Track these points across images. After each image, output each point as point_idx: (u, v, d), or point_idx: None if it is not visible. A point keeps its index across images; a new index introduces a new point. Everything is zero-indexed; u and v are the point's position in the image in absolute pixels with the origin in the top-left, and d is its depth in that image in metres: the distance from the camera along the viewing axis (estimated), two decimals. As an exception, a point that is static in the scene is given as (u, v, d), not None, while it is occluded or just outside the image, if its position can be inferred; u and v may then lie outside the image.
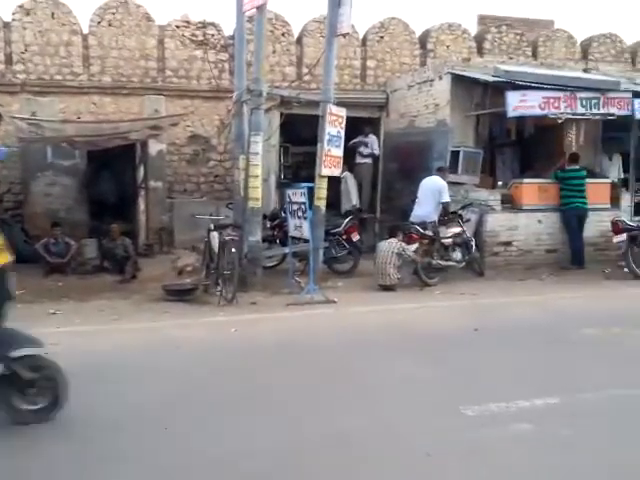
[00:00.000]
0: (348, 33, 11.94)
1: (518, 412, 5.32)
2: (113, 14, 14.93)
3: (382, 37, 16.76)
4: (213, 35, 15.59)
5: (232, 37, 13.93)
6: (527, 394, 5.65)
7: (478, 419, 5.19)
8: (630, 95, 12.94)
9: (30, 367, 4.88)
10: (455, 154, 13.14)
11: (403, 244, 10.75)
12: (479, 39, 17.56)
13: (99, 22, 14.86)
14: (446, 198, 11.48)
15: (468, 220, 11.77)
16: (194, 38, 15.46)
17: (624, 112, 12.84)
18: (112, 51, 14.92)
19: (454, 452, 4.61)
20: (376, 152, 14.43)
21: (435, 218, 11.41)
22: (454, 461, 4.48)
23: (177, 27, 15.42)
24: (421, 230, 11.00)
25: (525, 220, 12.47)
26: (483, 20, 19.04)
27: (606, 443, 4.78)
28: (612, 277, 11.57)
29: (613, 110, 12.82)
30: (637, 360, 6.83)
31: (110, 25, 14.89)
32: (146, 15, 15.14)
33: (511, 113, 12.25)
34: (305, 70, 15.48)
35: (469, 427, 5.04)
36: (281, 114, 12.11)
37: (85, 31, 14.86)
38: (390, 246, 10.74)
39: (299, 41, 16.16)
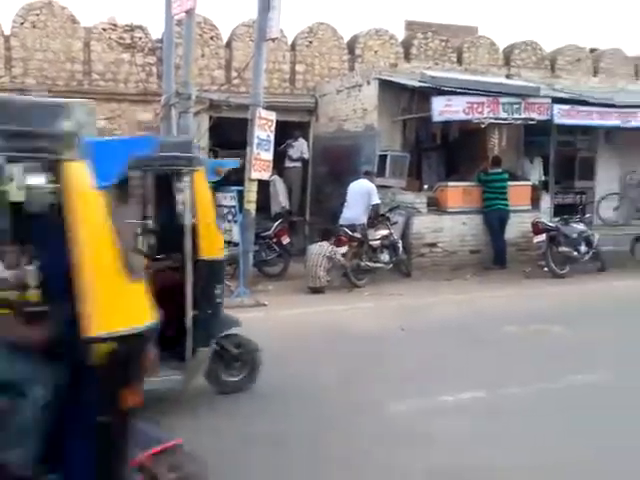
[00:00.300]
0: (277, 37, 12.06)
1: (445, 407, 5.53)
2: (37, 15, 14.60)
3: (311, 42, 16.89)
4: (141, 38, 15.41)
5: (160, 40, 13.82)
6: (453, 390, 5.87)
7: (406, 414, 5.38)
8: (549, 101, 13.44)
9: (234, 344, 5.84)
10: (383, 158, 13.38)
11: (333, 247, 10.92)
12: (406, 45, 17.90)
13: (22, 23, 14.50)
14: (376, 200, 11.71)
15: (395, 222, 12.02)
16: (121, 41, 15.25)
17: (544, 117, 13.33)
18: (36, 53, 14.59)
19: (381, 446, 4.76)
20: (305, 156, 14.57)
21: (364, 221, 11.62)
22: (382, 454, 4.64)
23: (104, 30, 15.17)
24: (350, 233, 11.19)
25: (450, 222, 12.81)
26: (410, 26, 19.40)
27: (532, 436, 5.02)
28: (532, 276, 12.01)
29: (534, 115, 13.29)
30: (557, 356, 7.15)
31: (34, 27, 14.56)
32: (71, 17, 14.85)
33: (437, 118, 12.57)
34: (234, 74, 15.45)
35: (397, 422, 5.22)
36: (210, 117, 12.12)
37: (7, 32, 14.50)
38: (321, 249, 10.89)
39: (228, 45, 16.14)
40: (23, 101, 2.79)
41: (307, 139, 14.44)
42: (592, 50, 19.16)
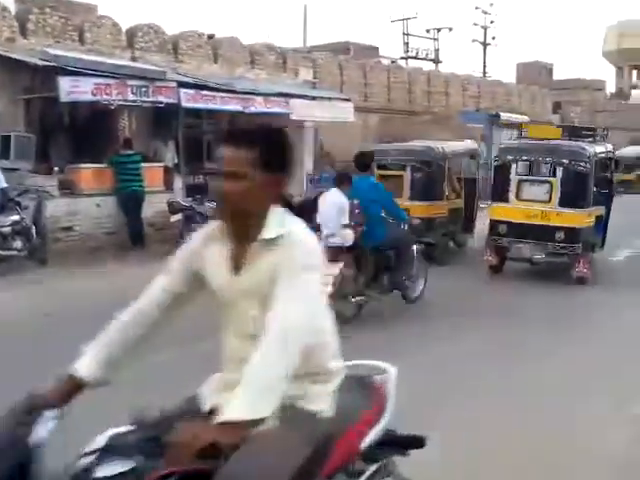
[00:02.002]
0: None
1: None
2: None
3: None
4: None
5: None
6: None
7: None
8: (176, 85, 13.90)
9: None
10: (6, 139, 12.53)
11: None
12: (21, 19, 16.80)
13: None
14: (2, 184, 10.96)
15: (26, 207, 11.39)
16: None
17: (171, 100, 13.76)
18: None
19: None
20: None
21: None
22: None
23: None
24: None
25: (85, 204, 12.58)
26: (24, -1, 18.26)
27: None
28: (172, 254, 12.33)
29: (161, 98, 13.64)
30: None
31: None
32: None
33: (64, 98, 12.19)
34: None
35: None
36: None
37: None
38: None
39: None
40: None
41: None
42: (209, 36, 20.08)
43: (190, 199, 13.07)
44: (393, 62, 35.01)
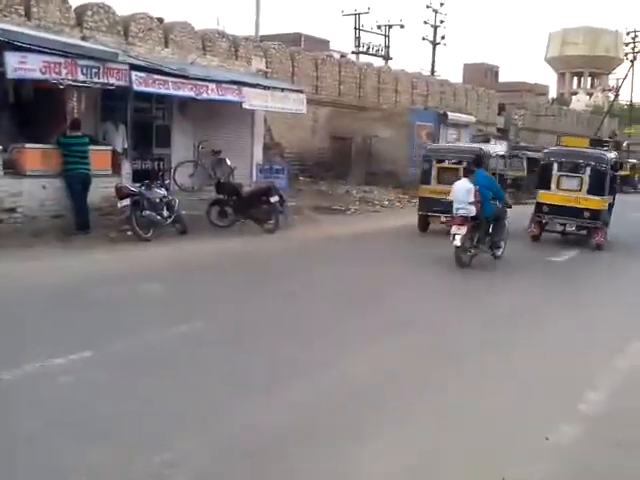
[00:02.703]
0: None
1: (56, 369, 5.44)
2: None
3: None
4: None
5: None
6: (61, 352, 5.77)
7: (16, 381, 5.18)
8: (127, 67, 13.59)
9: None
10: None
11: None
12: (-35, -10, 16.20)
13: None
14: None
15: (-32, 186, 11.02)
16: None
17: (122, 83, 13.45)
18: None
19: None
20: None
21: None
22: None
23: None
24: None
25: (29, 186, 12.19)
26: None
27: (139, 386, 5.24)
28: (118, 241, 12.09)
29: (112, 80, 13.31)
30: (157, 311, 7.51)
31: None
32: None
33: (11, 75, 11.79)
34: None
35: (8, 390, 5.01)
36: None
37: None
38: None
39: None
40: None
41: None
42: (159, 20, 19.69)
43: (138, 184, 12.82)
44: (343, 56, 35.11)
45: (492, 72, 49.02)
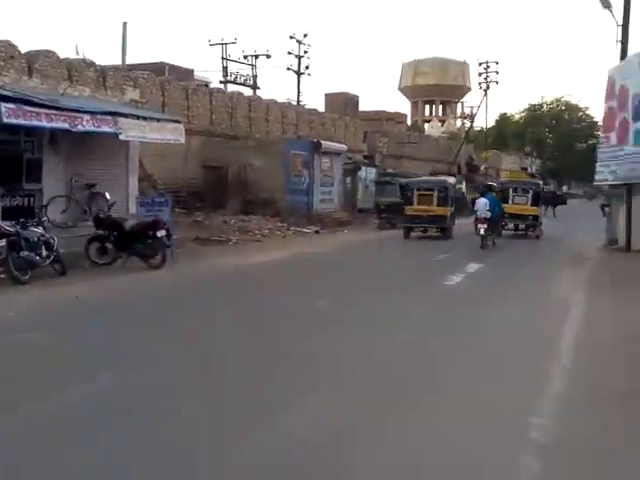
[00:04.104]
0: None
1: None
2: None
3: None
4: None
5: None
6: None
7: None
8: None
9: None
10: None
11: None
12: None
13: None
14: None
15: None
16: None
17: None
18: None
19: None
20: None
21: None
22: None
23: None
24: None
25: None
26: None
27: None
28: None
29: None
30: (51, 366, 6.83)
31: None
32: None
33: None
34: None
35: None
36: None
37: None
38: None
39: None
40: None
41: None
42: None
43: (13, 223, 11.90)
44: (206, 85, 34.78)
45: (353, 101, 50.18)
